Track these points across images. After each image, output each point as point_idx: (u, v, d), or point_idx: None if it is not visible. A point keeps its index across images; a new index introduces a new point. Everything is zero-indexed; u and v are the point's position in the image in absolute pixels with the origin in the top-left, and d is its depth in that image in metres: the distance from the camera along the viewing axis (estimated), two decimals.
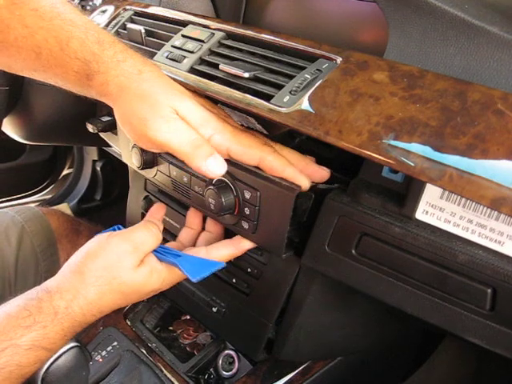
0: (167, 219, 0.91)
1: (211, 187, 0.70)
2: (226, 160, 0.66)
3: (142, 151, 0.82)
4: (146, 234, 0.71)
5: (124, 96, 0.66)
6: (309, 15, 0.89)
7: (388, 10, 0.63)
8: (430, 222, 0.57)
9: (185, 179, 0.79)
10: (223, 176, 0.69)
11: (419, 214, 0.57)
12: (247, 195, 0.68)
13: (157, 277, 0.70)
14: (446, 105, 0.52)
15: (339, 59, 0.62)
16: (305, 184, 0.66)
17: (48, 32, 0.64)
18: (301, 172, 0.67)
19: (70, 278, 0.68)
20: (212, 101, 0.71)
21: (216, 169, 0.65)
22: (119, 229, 0.78)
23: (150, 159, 0.83)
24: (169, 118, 0.64)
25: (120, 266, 0.67)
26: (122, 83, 0.65)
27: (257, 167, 0.67)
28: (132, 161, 0.88)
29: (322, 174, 0.69)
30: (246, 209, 0.69)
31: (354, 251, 0.62)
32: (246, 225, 0.70)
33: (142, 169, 0.85)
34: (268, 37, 0.71)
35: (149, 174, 0.88)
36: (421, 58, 0.62)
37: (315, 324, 0.77)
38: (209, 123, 0.66)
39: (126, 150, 0.95)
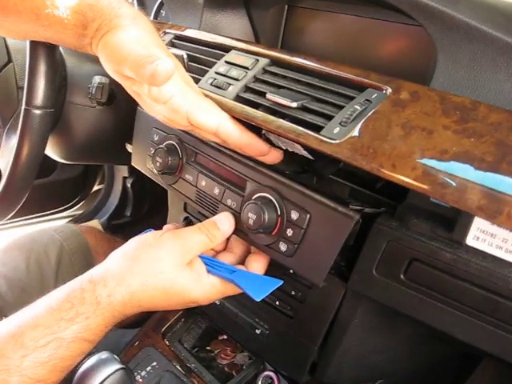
0: None
1: (253, 201, 0.69)
2: (272, 176, 0.69)
3: (168, 154, 0.82)
4: (197, 234, 0.72)
5: (114, 32, 0.67)
6: (348, 38, 0.89)
7: (437, 35, 0.63)
8: (481, 248, 0.56)
9: (216, 191, 0.78)
10: (268, 192, 0.70)
11: (470, 240, 0.56)
12: (294, 216, 0.67)
13: (203, 287, 0.71)
14: (502, 139, 0.52)
15: (389, 90, 0.62)
16: (266, 151, 0.70)
17: None
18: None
19: (119, 263, 0.70)
20: (258, 129, 0.71)
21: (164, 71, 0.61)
22: None
23: (174, 164, 0.83)
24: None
25: (168, 261, 0.69)
26: (115, 24, 0.67)
27: (305, 186, 0.67)
28: (146, 165, 0.88)
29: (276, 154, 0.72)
30: (288, 230, 0.68)
31: (402, 276, 0.62)
32: (283, 247, 0.69)
33: (162, 173, 0.85)
34: (314, 64, 0.71)
35: (167, 180, 0.87)
36: (470, 83, 0.61)
37: (360, 347, 0.76)
38: (175, 82, 0.67)
39: (139, 153, 0.95)
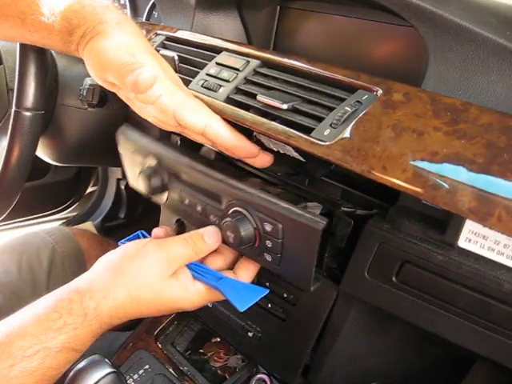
0: None
1: (228, 219, 0.68)
2: (242, 189, 0.67)
3: (150, 177, 0.80)
4: (182, 247, 0.71)
5: (97, 39, 0.67)
6: (340, 39, 0.89)
7: (428, 36, 0.63)
8: (473, 250, 0.56)
9: (199, 208, 0.77)
10: (241, 206, 0.69)
11: (462, 242, 0.56)
12: (268, 228, 0.66)
13: (189, 295, 0.71)
14: (492, 141, 0.52)
15: (379, 91, 0.61)
16: (255, 152, 0.69)
17: None
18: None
19: (104, 276, 0.69)
20: (249, 131, 0.71)
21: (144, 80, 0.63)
22: (143, 234, 0.79)
23: (157, 186, 0.81)
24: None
25: (152, 273, 0.68)
26: (98, 30, 0.67)
27: (275, 195, 0.66)
28: (139, 186, 0.86)
29: (266, 158, 0.72)
30: (267, 241, 0.67)
31: (394, 278, 0.62)
32: (269, 257, 0.69)
33: (151, 195, 0.83)
34: (304, 66, 0.71)
35: (160, 199, 0.85)
36: (461, 84, 0.61)
37: (352, 350, 0.76)
38: (161, 83, 0.67)
39: (130, 174, 0.93)
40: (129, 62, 0.63)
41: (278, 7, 0.97)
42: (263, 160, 0.72)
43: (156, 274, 0.69)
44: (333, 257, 0.71)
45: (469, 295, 0.56)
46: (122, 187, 1.70)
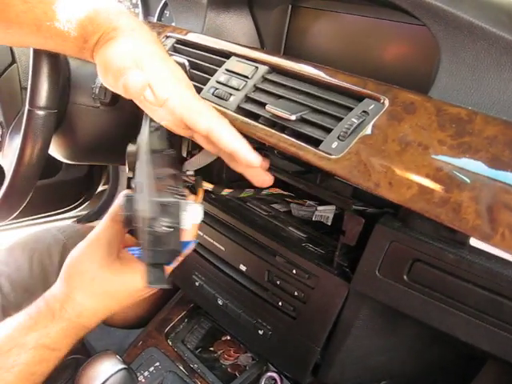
0: (212, 241, 0.91)
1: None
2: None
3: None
4: (108, 229, 0.72)
5: (107, 46, 0.67)
6: (352, 38, 0.89)
7: (440, 34, 0.63)
8: (484, 249, 0.56)
9: None
10: None
11: (473, 241, 0.56)
12: None
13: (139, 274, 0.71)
14: (497, 155, 0.52)
15: (386, 101, 0.62)
16: (256, 161, 0.67)
17: (46, 5, 0.67)
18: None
19: (59, 284, 0.73)
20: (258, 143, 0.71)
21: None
22: None
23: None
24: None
25: (92, 266, 0.70)
26: (111, 36, 0.67)
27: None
28: None
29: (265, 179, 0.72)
30: None
31: (405, 277, 0.62)
32: None
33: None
34: (312, 72, 0.71)
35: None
36: (474, 83, 0.61)
37: (362, 348, 0.76)
38: (170, 87, 0.67)
39: None
40: (126, 66, 0.64)
41: (290, 6, 0.97)
42: (263, 179, 0.72)
43: (97, 265, 0.70)
44: (344, 255, 0.71)
45: (480, 294, 0.56)
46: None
